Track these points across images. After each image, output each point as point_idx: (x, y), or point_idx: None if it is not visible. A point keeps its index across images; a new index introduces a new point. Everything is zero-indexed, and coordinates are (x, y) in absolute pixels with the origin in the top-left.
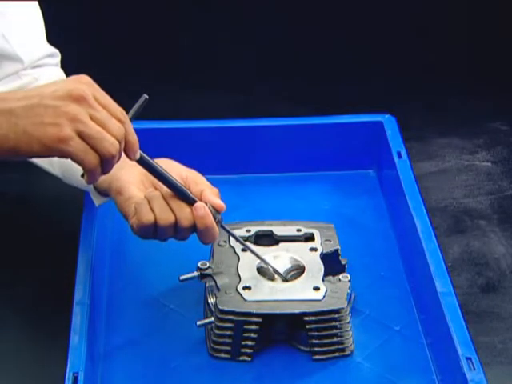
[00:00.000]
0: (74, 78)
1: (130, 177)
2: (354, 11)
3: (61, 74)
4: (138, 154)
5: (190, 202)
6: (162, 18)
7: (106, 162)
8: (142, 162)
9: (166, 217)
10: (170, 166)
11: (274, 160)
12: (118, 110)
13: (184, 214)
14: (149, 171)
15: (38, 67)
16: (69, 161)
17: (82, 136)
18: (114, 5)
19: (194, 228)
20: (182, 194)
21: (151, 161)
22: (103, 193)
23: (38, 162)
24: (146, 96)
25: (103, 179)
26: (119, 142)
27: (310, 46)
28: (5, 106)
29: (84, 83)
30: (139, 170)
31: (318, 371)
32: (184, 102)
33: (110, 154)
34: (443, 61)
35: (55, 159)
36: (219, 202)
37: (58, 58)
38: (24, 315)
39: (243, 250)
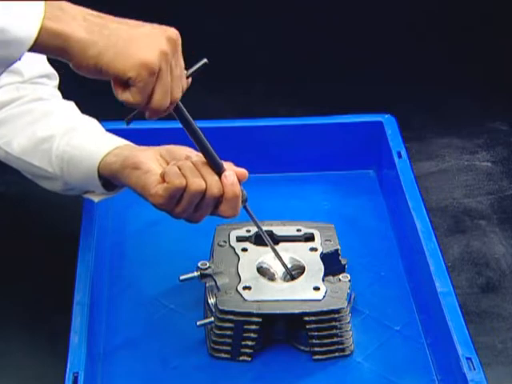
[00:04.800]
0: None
1: (145, 156)
2: (354, 11)
3: (58, 94)
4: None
5: (218, 168)
6: (161, 18)
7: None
8: (179, 113)
9: (197, 181)
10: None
11: (274, 160)
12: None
13: (214, 181)
14: (185, 127)
15: (36, 84)
16: (68, 158)
17: (159, 74)
18: (113, 6)
19: (219, 200)
20: (211, 158)
21: (188, 115)
22: (108, 179)
23: (37, 163)
24: (205, 60)
25: (114, 161)
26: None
27: (310, 45)
28: (101, 21)
29: (175, 33)
30: (153, 151)
31: (318, 371)
32: (184, 102)
33: (176, 99)
34: (443, 61)
35: (53, 158)
36: (242, 170)
37: (56, 81)
38: (24, 315)
39: (243, 249)
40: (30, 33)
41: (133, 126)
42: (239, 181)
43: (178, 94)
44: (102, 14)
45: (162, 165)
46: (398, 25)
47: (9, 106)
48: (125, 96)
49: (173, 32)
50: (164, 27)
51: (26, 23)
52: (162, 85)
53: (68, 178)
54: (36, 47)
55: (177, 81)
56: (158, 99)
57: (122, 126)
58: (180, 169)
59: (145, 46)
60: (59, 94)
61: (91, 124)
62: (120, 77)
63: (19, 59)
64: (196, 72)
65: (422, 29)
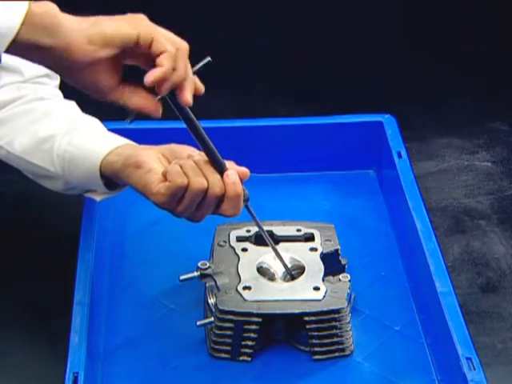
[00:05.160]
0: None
1: (147, 155)
2: (354, 11)
3: (59, 93)
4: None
5: (219, 167)
6: (161, 19)
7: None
8: (184, 114)
9: (199, 180)
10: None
11: (274, 160)
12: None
13: (216, 180)
14: (188, 125)
15: (37, 84)
16: (70, 158)
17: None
18: (113, 7)
19: (220, 199)
20: (213, 157)
21: (193, 116)
22: (109, 178)
23: (39, 163)
24: (209, 58)
25: (116, 160)
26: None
27: (309, 45)
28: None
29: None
30: (155, 150)
31: (318, 371)
32: None
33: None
34: (443, 61)
35: (55, 158)
36: (244, 168)
37: (57, 81)
38: (24, 315)
39: (243, 249)
40: (14, 22)
41: (134, 125)
42: (241, 180)
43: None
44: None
45: (164, 164)
46: (398, 25)
47: (10, 105)
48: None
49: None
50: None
51: (10, 13)
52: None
53: (69, 177)
54: (25, 35)
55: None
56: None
57: (123, 125)
58: (182, 168)
59: (128, 23)
60: (60, 94)
61: (92, 123)
62: (128, 38)
63: (1, 52)
64: (199, 70)
65: (422, 29)
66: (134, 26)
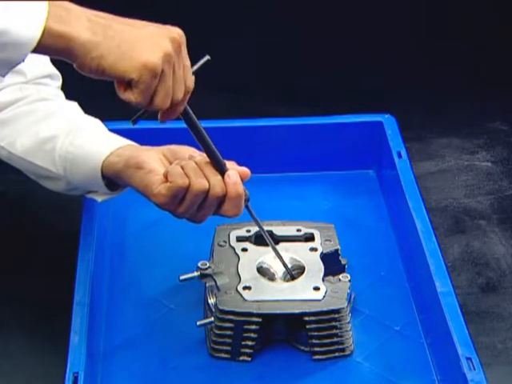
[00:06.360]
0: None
1: (148, 156)
2: (354, 11)
3: (61, 94)
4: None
5: (220, 168)
6: (161, 19)
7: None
8: (186, 116)
9: (200, 181)
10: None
11: (274, 160)
12: (190, 70)
13: (217, 180)
14: (189, 126)
15: (39, 85)
16: (71, 158)
17: (162, 76)
18: (113, 8)
19: (221, 200)
20: (215, 158)
21: (195, 117)
22: (111, 179)
23: (41, 163)
24: (208, 57)
25: (117, 161)
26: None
27: (309, 45)
28: (105, 22)
29: (178, 33)
30: (156, 151)
31: (318, 371)
32: None
33: (177, 99)
34: (443, 61)
35: (57, 158)
36: (245, 169)
37: (59, 82)
38: (24, 315)
39: (243, 249)
40: (33, 35)
41: (136, 126)
42: (242, 180)
43: (180, 95)
44: (106, 15)
45: (165, 164)
46: (398, 25)
47: (12, 106)
48: (127, 96)
49: (177, 33)
50: (168, 28)
51: (29, 25)
52: (164, 87)
53: (71, 177)
54: (39, 49)
55: (179, 82)
56: (159, 101)
57: (125, 126)
58: (183, 168)
59: (148, 47)
60: (62, 95)
61: (94, 124)
62: (122, 78)
63: (23, 61)
64: (199, 69)
65: (422, 29)
66: (136, 60)
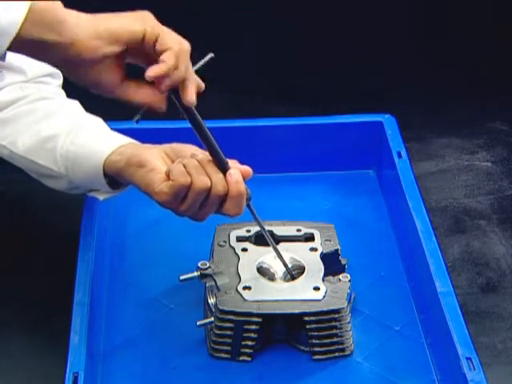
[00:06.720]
0: None
1: (150, 154)
2: (354, 11)
3: (62, 93)
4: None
5: (223, 166)
6: (161, 19)
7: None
8: (189, 113)
9: (202, 179)
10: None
11: (274, 160)
12: None
13: (219, 179)
14: (192, 124)
15: (40, 83)
16: (73, 157)
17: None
18: (112, 9)
19: (223, 198)
20: (217, 156)
21: (198, 115)
22: (113, 177)
23: (42, 162)
24: (212, 54)
25: (119, 159)
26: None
27: (309, 45)
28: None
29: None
30: (158, 149)
31: (318, 371)
32: None
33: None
34: (443, 61)
35: (58, 157)
36: (247, 167)
37: (60, 80)
38: (24, 315)
39: (243, 249)
40: (16, 18)
41: (138, 126)
42: (244, 179)
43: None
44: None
45: (167, 163)
46: (398, 25)
47: (13, 105)
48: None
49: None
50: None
51: (12, 11)
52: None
53: (73, 176)
54: (27, 31)
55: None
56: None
57: (127, 125)
58: (185, 167)
59: (134, 15)
60: (63, 93)
61: (96, 122)
62: (136, 33)
63: (5, 54)
64: (203, 67)
65: (422, 29)
66: (141, 23)
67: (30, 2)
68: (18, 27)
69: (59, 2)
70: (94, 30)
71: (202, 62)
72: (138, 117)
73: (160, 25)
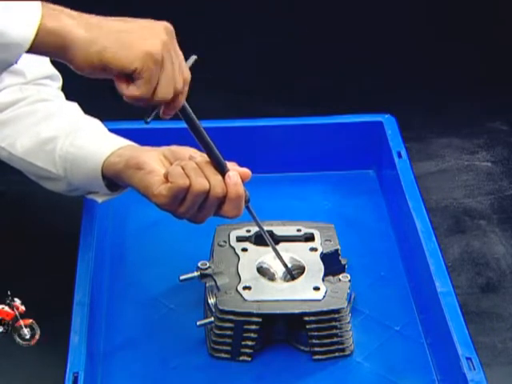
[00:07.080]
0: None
1: (149, 156)
2: (354, 11)
3: (61, 95)
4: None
5: (221, 168)
6: (161, 19)
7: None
8: (185, 115)
9: (201, 181)
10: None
11: (274, 160)
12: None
13: (217, 181)
14: (190, 126)
15: (39, 85)
16: (72, 159)
17: (163, 64)
18: (113, 9)
19: (222, 200)
20: (215, 158)
21: (193, 115)
22: (111, 180)
23: (41, 164)
24: (195, 57)
25: (117, 161)
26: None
27: (309, 45)
28: (96, 20)
29: (169, 25)
30: (157, 151)
31: (318, 371)
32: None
33: (179, 89)
34: (443, 61)
35: (57, 159)
36: (245, 169)
37: (59, 83)
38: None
39: (243, 249)
40: (28, 34)
41: (136, 126)
42: (242, 181)
43: (180, 84)
44: (93, 15)
45: (166, 165)
46: (398, 25)
47: (12, 107)
48: (131, 90)
49: (167, 24)
50: (157, 21)
51: (24, 25)
52: (166, 74)
53: (72, 178)
54: (36, 47)
55: (178, 71)
56: (163, 89)
57: (124, 125)
58: (184, 169)
59: (146, 37)
60: (62, 95)
61: (94, 124)
62: (125, 69)
63: (15, 63)
64: (189, 70)
65: (422, 29)
66: (138, 49)
67: (39, 16)
68: (30, 40)
69: (68, 15)
70: (90, 55)
71: (187, 65)
72: (150, 117)
73: (169, 44)
